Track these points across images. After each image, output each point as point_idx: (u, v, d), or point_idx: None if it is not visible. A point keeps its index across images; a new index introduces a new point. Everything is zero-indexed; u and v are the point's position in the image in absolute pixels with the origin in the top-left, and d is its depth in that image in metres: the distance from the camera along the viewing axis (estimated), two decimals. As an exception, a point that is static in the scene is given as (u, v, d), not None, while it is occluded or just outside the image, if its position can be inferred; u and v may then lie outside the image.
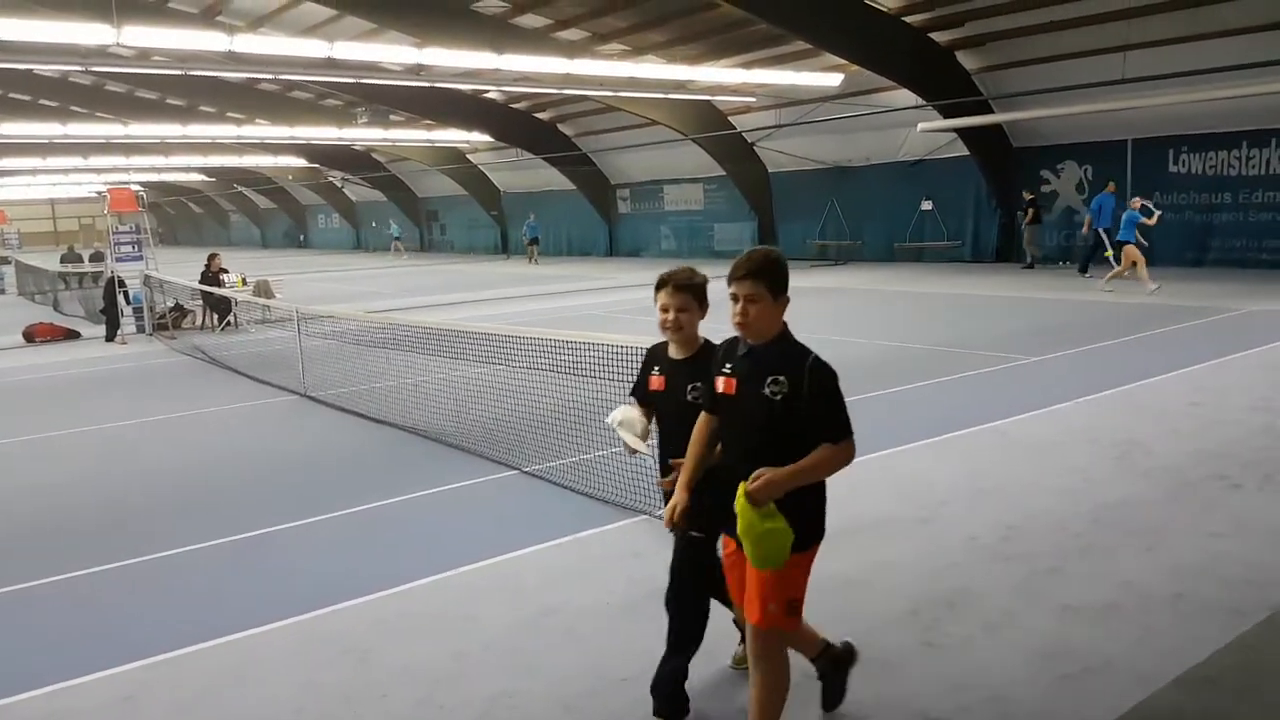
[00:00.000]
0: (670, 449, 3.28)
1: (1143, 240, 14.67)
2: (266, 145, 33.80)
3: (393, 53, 17.70)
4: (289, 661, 3.82)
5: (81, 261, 25.70)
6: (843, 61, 19.26)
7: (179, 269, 19.95)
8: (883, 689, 3.38)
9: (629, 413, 3.42)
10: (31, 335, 15.29)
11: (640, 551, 4.80)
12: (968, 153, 20.69)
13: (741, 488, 2.65)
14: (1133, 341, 10.56)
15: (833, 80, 19.96)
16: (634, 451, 3.41)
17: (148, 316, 15.63)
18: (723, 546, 3.09)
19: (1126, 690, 3.29)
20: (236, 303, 15.59)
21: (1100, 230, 16.44)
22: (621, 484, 5.61)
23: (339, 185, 45.08)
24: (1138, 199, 15.18)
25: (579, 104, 26.56)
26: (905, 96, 20.01)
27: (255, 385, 10.28)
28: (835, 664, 3.27)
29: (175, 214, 66.84)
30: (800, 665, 3.54)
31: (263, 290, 16.95)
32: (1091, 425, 6.90)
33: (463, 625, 4.07)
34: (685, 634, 3.28)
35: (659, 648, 3.30)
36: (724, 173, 26.46)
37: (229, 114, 29.81)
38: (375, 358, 9.79)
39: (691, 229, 29.16)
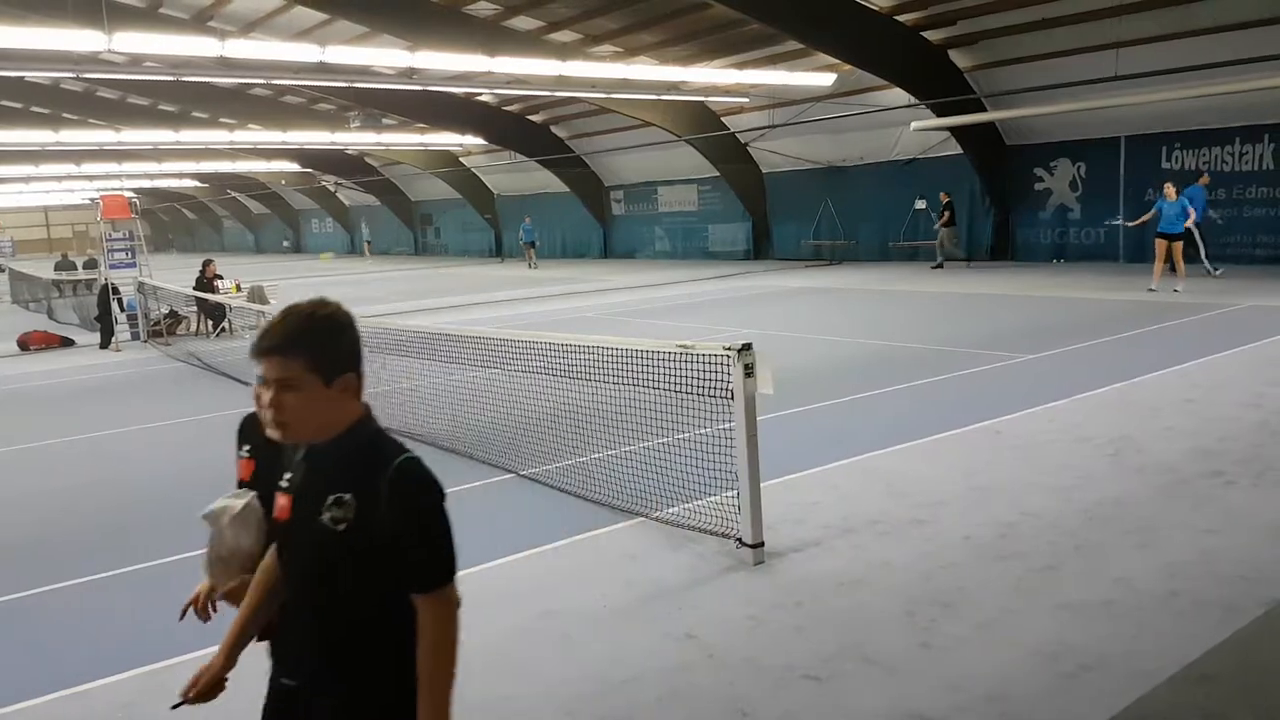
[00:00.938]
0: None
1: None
2: (259, 150, 33.75)
3: (385, 56, 17.70)
4: (286, 668, 3.81)
5: (75, 269, 25.65)
6: (835, 61, 19.28)
7: (173, 275, 19.93)
8: (879, 689, 3.39)
9: (231, 504, 2.29)
10: (26, 343, 15.25)
11: (636, 554, 4.81)
12: (961, 151, 20.73)
13: None
14: (1126, 339, 10.58)
15: (825, 80, 19.99)
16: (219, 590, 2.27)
17: (142, 323, 15.62)
18: None
19: (1123, 688, 3.29)
20: (230, 308, 15.57)
21: (1195, 226, 15.07)
22: (617, 487, 5.62)
23: (332, 190, 45.03)
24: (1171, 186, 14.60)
25: (572, 106, 26.55)
26: (898, 96, 20.03)
27: (249, 391, 10.25)
28: None
29: (169, 220, 66.72)
30: (800, 664, 3.55)
31: (256, 296, 16.92)
32: (1085, 423, 6.92)
33: (460, 629, 4.07)
34: None
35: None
36: (718, 173, 26.47)
37: (221, 119, 29.75)
38: (370, 362, 9.75)
39: (686, 230, 29.17)
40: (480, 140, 29.28)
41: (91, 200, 20.60)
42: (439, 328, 8.14)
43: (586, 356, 5.85)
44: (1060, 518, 5.01)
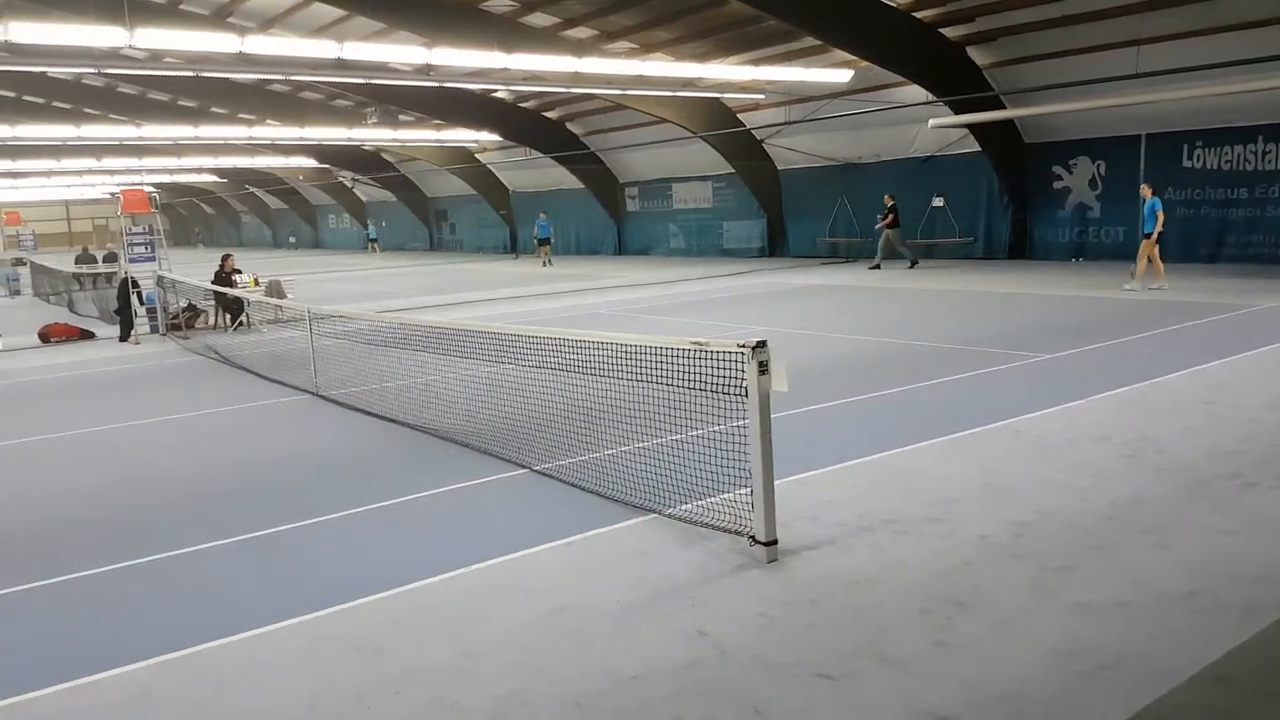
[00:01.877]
0: None
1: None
2: (277, 146, 33.94)
3: (402, 53, 17.74)
4: (301, 658, 3.83)
5: (96, 262, 25.87)
6: (852, 58, 19.19)
7: (192, 269, 20.08)
8: (894, 687, 3.37)
9: None
10: (47, 335, 15.41)
11: (648, 551, 4.80)
12: (979, 149, 20.59)
13: None
14: (1146, 339, 10.49)
15: (842, 76, 19.90)
16: None
17: (161, 317, 15.74)
18: None
19: (1140, 688, 3.26)
20: (249, 303, 15.67)
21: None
22: (630, 484, 5.61)
23: (349, 185, 45.24)
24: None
25: (587, 103, 26.56)
26: (916, 93, 19.92)
27: (267, 385, 10.33)
28: None
29: (187, 214, 67.25)
30: (814, 662, 3.53)
31: (274, 290, 17.04)
32: (1104, 423, 6.86)
33: (473, 624, 4.08)
34: None
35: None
36: (733, 170, 26.41)
37: (240, 115, 29.95)
38: (386, 357, 9.83)
39: (700, 227, 29.12)
40: (496, 137, 29.33)
41: (112, 195, 20.77)
42: (454, 323, 8.16)
43: (600, 352, 5.85)
44: (1078, 517, 4.97)
